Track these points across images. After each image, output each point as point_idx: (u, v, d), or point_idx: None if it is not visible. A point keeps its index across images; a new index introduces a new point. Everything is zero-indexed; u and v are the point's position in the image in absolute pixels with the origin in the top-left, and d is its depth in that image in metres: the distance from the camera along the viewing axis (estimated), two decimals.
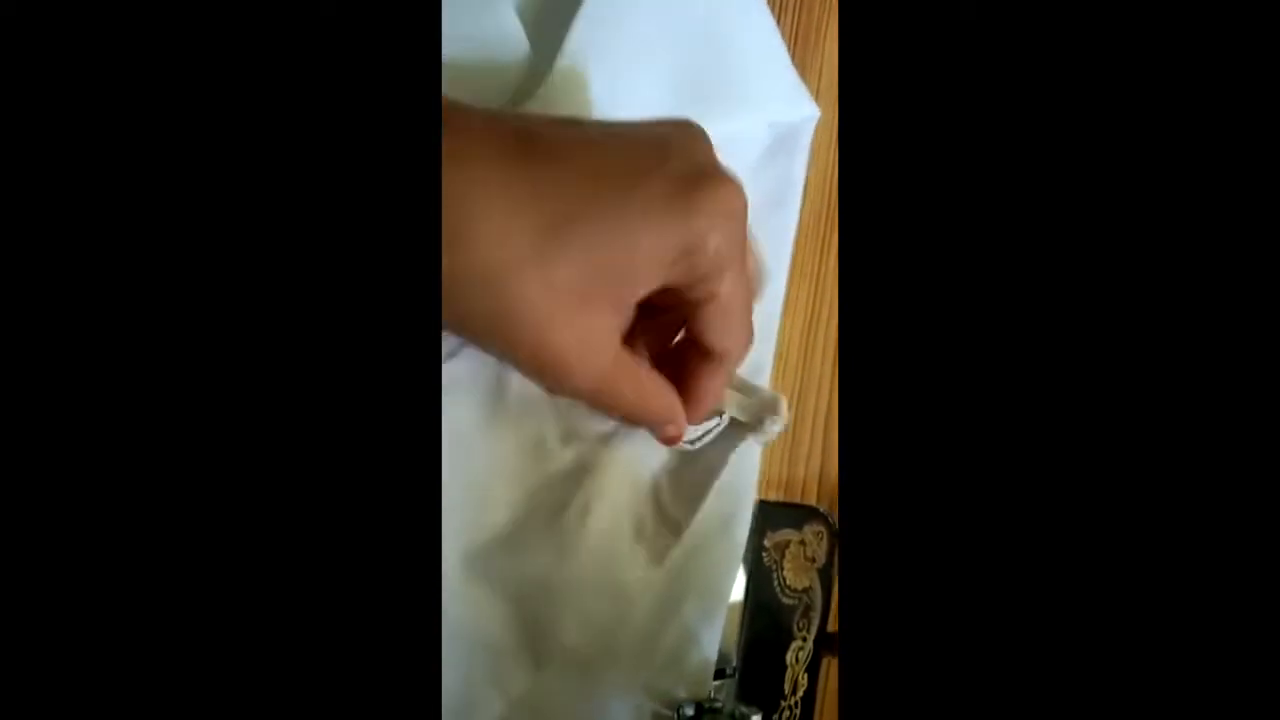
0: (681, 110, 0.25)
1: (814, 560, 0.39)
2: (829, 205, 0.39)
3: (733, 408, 0.31)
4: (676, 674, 0.33)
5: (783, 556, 0.38)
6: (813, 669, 0.40)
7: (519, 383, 0.28)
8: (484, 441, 0.28)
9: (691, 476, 0.32)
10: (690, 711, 0.33)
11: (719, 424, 0.32)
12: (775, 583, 0.38)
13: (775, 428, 0.32)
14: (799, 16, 0.38)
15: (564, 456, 0.30)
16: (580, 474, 0.30)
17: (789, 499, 0.39)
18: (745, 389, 0.32)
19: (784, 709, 0.38)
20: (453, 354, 0.27)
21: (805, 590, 0.39)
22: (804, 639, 0.39)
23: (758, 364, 0.36)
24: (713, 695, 0.34)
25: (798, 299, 0.38)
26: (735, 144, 0.32)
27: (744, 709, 0.33)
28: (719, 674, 0.35)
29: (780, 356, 0.37)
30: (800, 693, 0.39)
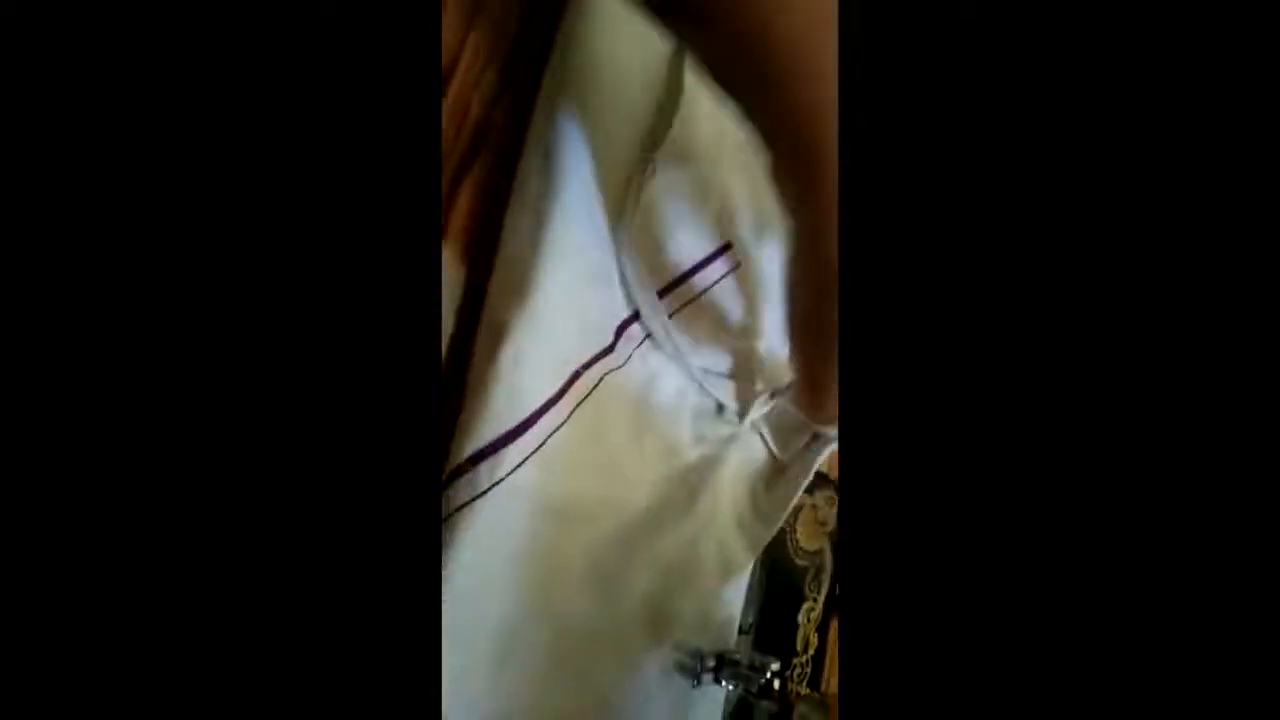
0: None
1: (825, 524, 0.41)
2: None
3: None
4: (702, 630, 0.35)
5: (796, 520, 0.40)
6: (823, 629, 0.42)
7: (660, 395, 0.32)
8: (631, 445, 0.31)
9: (786, 474, 0.36)
10: (712, 662, 0.35)
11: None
12: (789, 545, 0.39)
13: None
14: None
15: (693, 455, 0.34)
16: (705, 469, 0.34)
17: None
18: None
19: (795, 666, 0.40)
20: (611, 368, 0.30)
21: (817, 552, 0.41)
22: (815, 600, 0.41)
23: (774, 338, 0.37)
24: (733, 650, 0.36)
25: None
26: None
27: (761, 658, 0.34)
28: (740, 632, 0.37)
29: None
30: (811, 651, 0.41)
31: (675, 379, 0.33)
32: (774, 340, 0.35)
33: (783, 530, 0.39)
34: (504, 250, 0.28)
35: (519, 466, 0.27)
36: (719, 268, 0.33)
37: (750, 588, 0.38)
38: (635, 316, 0.31)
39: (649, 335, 0.31)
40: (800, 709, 0.29)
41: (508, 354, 0.26)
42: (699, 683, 0.35)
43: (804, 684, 0.40)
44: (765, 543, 0.36)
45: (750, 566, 0.36)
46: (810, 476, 0.35)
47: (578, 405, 0.29)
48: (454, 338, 0.28)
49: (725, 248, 0.33)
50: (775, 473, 0.37)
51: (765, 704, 0.32)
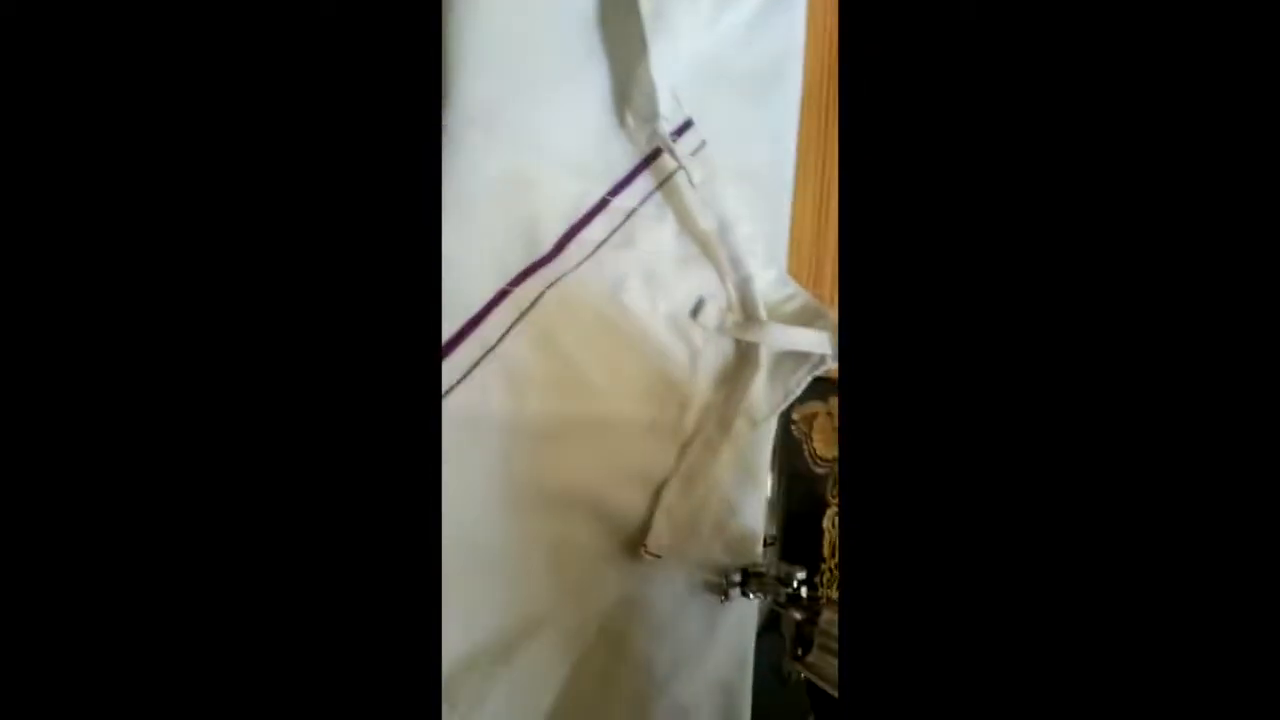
0: None
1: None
2: (830, 67, 0.38)
3: (823, 344, 0.33)
4: (722, 544, 0.35)
5: (811, 428, 0.39)
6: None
7: (630, 300, 0.31)
8: (598, 357, 0.31)
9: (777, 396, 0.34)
10: (738, 577, 0.35)
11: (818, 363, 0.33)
12: (806, 453, 0.39)
13: None
14: None
15: (675, 365, 0.33)
16: (690, 380, 0.33)
17: None
18: (823, 320, 0.33)
19: (824, 570, 0.40)
20: None
21: (835, 459, 0.40)
22: (838, 505, 0.41)
23: (774, 240, 0.36)
24: (758, 563, 0.36)
25: (807, 171, 0.38)
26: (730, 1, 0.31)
27: (787, 568, 0.34)
28: (764, 544, 0.37)
29: (795, 232, 0.37)
30: (838, 556, 0.41)
31: (643, 281, 0.31)
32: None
33: (798, 440, 0.39)
34: None
35: (455, 387, 0.27)
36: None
37: (772, 500, 0.37)
38: (590, 217, 0.29)
39: (611, 235, 0.30)
40: (826, 614, 0.29)
41: None
42: (726, 597, 0.35)
43: (833, 588, 0.40)
44: (767, 447, 0.35)
45: (765, 476, 0.36)
46: (804, 377, 0.34)
47: (518, 319, 0.28)
48: None
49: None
50: (748, 369, 0.35)
51: (792, 611, 0.32)
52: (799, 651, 0.30)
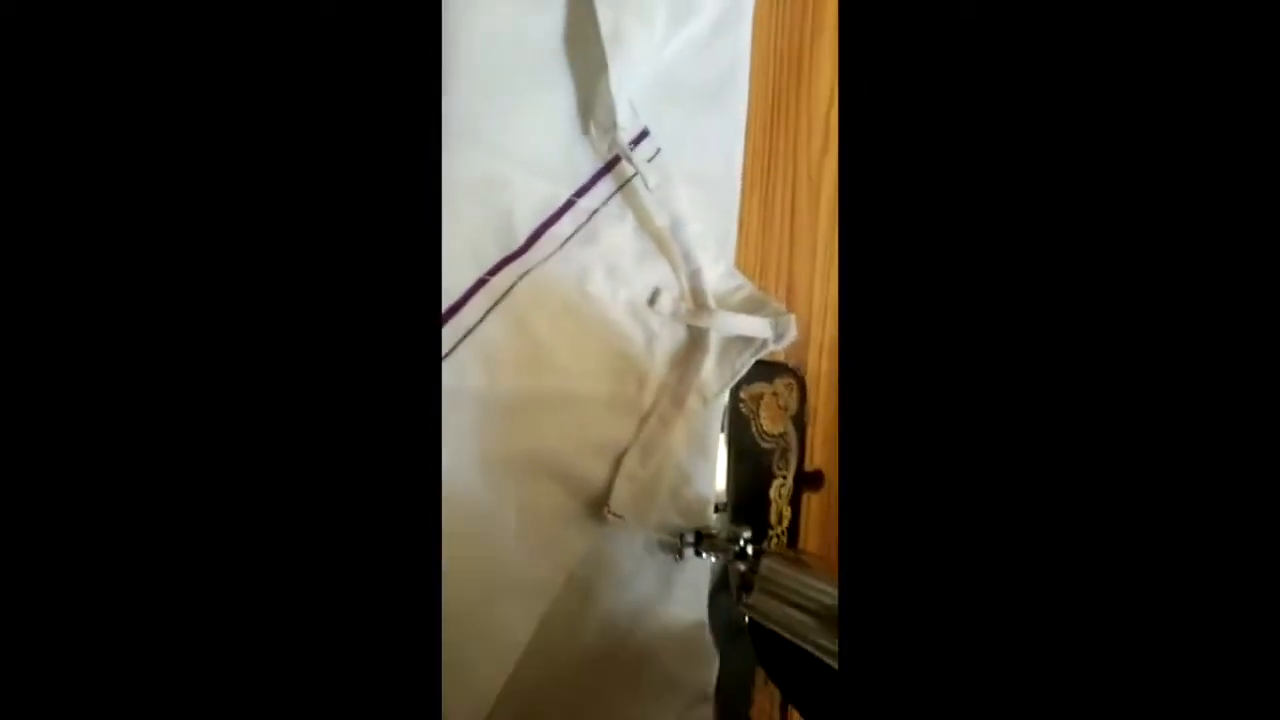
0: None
1: (786, 409, 0.45)
2: (776, 81, 0.42)
3: (766, 330, 0.37)
4: (677, 509, 0.39)
5: (758, 406, 0.43)
6: (795, 503, 0.46)
7: (593, 288, 0.35)
8: (564, 339, 0.35)
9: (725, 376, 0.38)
10: (691, 538, 0.39)
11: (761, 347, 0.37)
12: (753, 429, 0.43)
13: (786, 340, 0.37)
14: None
15: (634, 346, 0.37)
16: (648, 359, 0.37)
17: None
18: (766, 309, 0.37)
19: (772, 537, 0.44)
20: None
21: (781, 435, 0.45)
22: (784, 477, 0.45)
23: (723, 237, 0.40)
24: (710, 526, 0.40)
25: (754, 176, 0.42)
26: (682, 23, 0.35)
27: (734, 529, 0.38)
28: (715, 509, 0.41)
29: (742, 232, 0.41)
30: (785, 523, 0.46)
31: (605, 273, 0.35)
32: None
33: (746, 417, 0.43)
34: None
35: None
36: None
37: (724, 473, 0.41)
38: (558, 215, 0.33)
39: (576, 232, 0.34)
40: (766, 561, 0.33)
41: None
42: (681, 556, 0.39)
43: (779, 548, 0.44)
44: (716, 422, 0.39)
45: (715, 448, 0.40)
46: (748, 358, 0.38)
47: (494, 305, 0.32)
48: None
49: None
50: (699, 352, 0.38)
51: (737, 564, 0.36)
52: (743, 596, 0.34)
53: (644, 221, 0.36)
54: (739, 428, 0.42)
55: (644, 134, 0.34)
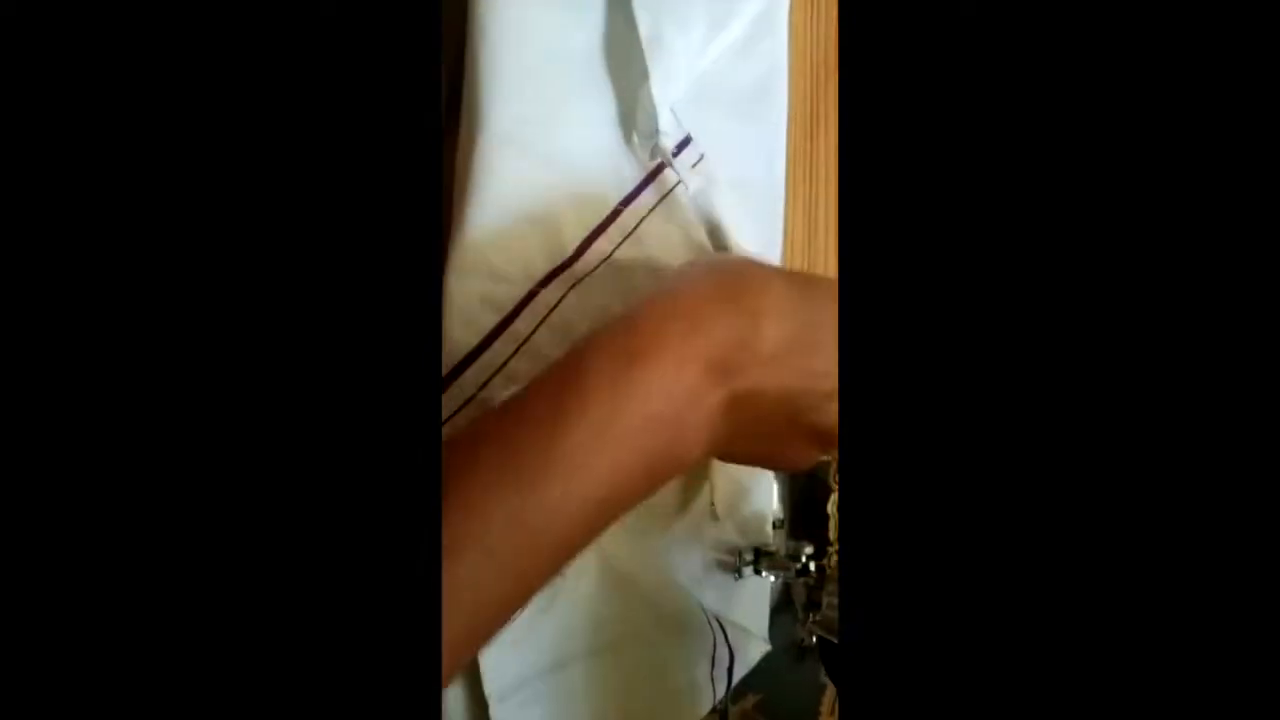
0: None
1: None
2: (814, 86, 0.41)
3: None
4: (735, 525, 0.38)
5: None
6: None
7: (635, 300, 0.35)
8: None
9: None
10: (750, 556, 0.38)
11: None
12: None
13: None
14: None
15: None
16: None
17: None
18: None
19: (830, 553, 0.43)
20: None
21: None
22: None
23: (768, 243, 0.39)
24: (769, 543, 0.39)
25: (795, 183, 0.41)
26: (721, 28, 0.35)
27: (795, 545, 0.37)
28: (773, 526, 0.40)
29: (787, 238, 0.41)
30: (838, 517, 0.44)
31: (653, 282, 0.35)
32: None
33: None
34: (455, 185, 0.31)
35: (487, 384, 0.30)
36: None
37: (779, 487, 0.40)
38: (605, 225, 0.33)
39: (623, 241, 0.33)
40: (831, 573, 0.32)
41: (452, 286, 0.30)
42: (740, 575, 0.37)
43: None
44: None
45: None
46: None
47: (544, 317, 0.31)
48: None
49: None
50: None
51: (803, 581, 0.34)
52: (810, 616, 0.32)
53: (689, 229, 0.35)
54: None
55: (687, 141, 0.34)
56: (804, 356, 0.24)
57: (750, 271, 0.25)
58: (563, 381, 0.23)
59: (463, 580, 0.21)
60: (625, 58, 0.33)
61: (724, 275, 0.25)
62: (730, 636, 0.36)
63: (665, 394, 0.23)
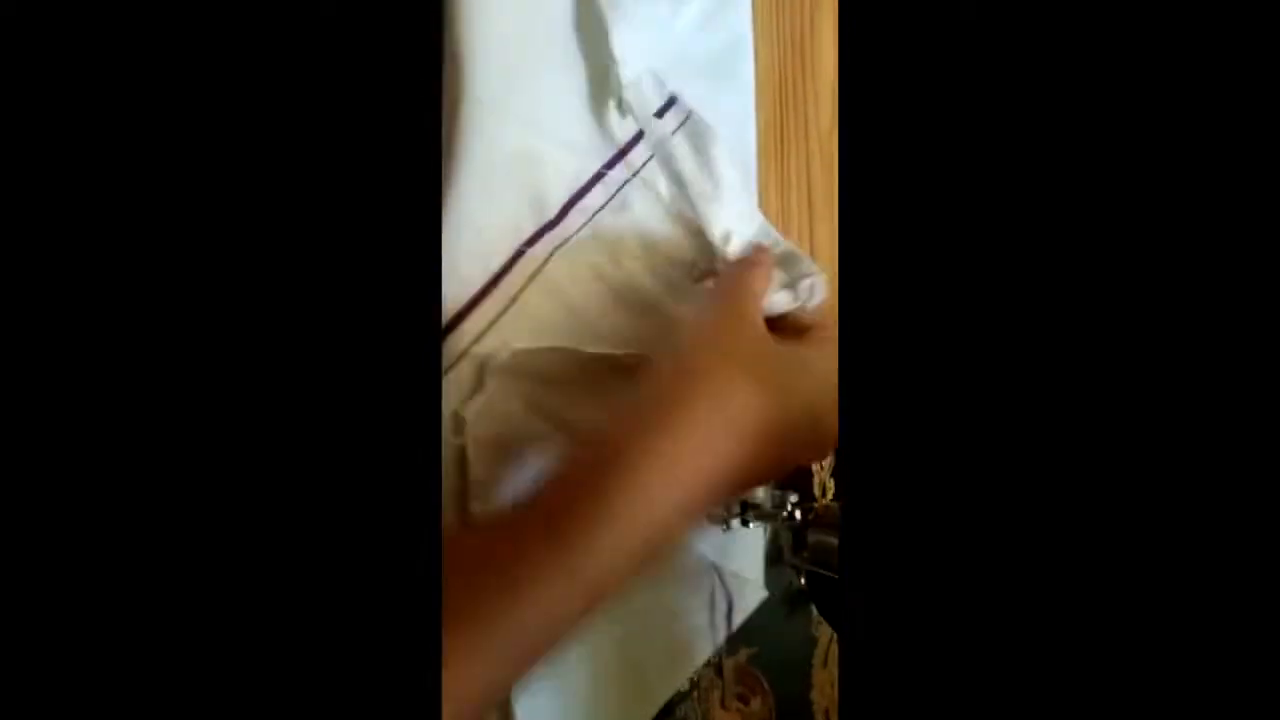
0: None
1: None
2: (782, 55, 0.43)
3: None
4: None
5: None
6: (837, 474, 0.45)
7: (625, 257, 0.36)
8: (601, 308, 0.35)
9: None
10: (737, 508, 0.39)
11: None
12: None
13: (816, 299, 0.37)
14: None
15: (666, 310, 0.36)
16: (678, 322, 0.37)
17: None
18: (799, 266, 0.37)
19: (814, 504, 0.44)
20: None
21: None
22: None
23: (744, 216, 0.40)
24: (754, 496, 0.40)
25: (768, 152, 0.43)
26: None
27: (780, 495, 0.38)
28: None
29: (760, 200, 0.42)
30: (829, 496, 0.45)
31: (639, 243, 0.36)
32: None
33: None
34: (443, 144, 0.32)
35: (482, 336, 0.31)
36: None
37: None
38: (588, 188, 0.34)
39: (606, 203, 0.34)
40: (820, 511, 0.33)
41: (445, 239, 0.31)
42: (728, 526, 0.39)
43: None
44: None
45: None
46: None
47: (532, 277, 0.33)
48: None
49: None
50: None
51: (789, 526, 0.36)
52: (800, 555, 0.34)
53: (670, 196, 0.36)
54: None
55: (671, 101, 0.35)
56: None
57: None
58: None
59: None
60: (597, 25, 0.34)
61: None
62: (727, 583, 0.37)
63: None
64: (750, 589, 0.39)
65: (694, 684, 0.38)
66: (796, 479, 0.43)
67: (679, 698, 0.37)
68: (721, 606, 0.37)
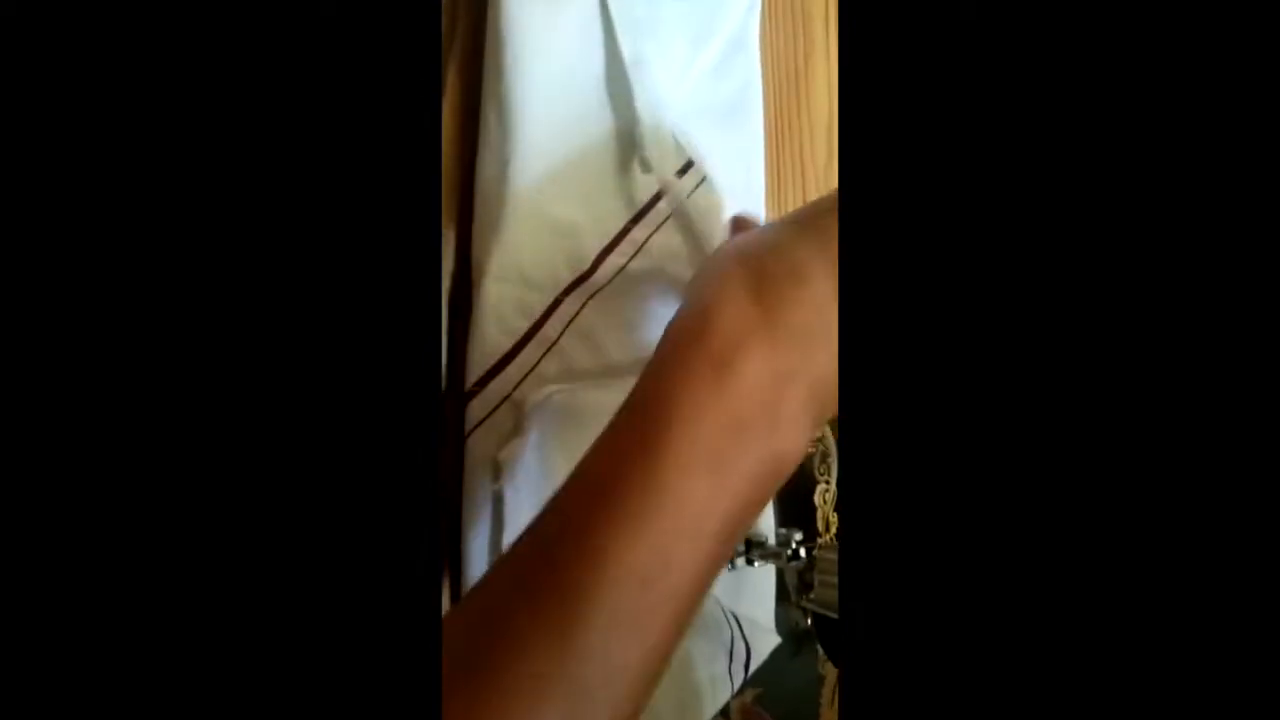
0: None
1: None
2: (780, 99, 0.44)
3: None
4: None
5: None
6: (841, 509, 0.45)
7: (648, 304, 0.37)
8: (629, 352, 0.36)
9: None
10: (741, 547, 0.38)
11: None
12: None
13: None
14: None
15: None
16: None
17: None
18: None
19: (819, 541, 0.44)
20: None
21: (820, 439, 0.44)
22: (827, 482, 0.44)
23: None
24: (759, 533, 0.39)
25: (772, 191, 0.43)
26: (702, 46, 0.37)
27: (785, 532, 0.38)
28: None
29: None
30: (833, 531, 0.45)
31: (665, 295, 0.37)
32: None
33: None
34: (477, 197, 0.33)
35: (522, 382, 0.32)
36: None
37: None
38: (615, 244, 0.35)
39: (632, 257, 0.36)
40: (821, 553, 0.33)
41: (490, 290, 0.32)
42: (733, 566, 0.38)
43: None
44: None
45: None
46: None
47: (568, 324, 0.34)
48: (452, 289, 0.32)
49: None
50: None
51: (794, 565, 0.35)
52: (805, 596, 0.33)
53: (694, 245, 0.37)
54: None
55: (689, 165, 0.36)
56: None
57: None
58: (644, 413, 0.21)
59: (595, 649, 0.18)
60: (621, 80, 0.35)
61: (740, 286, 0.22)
62: (745, 631, 0.37)
63: (752, 398, 0.20)
64: (765, 637, 0.39)
65: None
66: (801, 515, 0.43)
67: None
68: (740, 655, 0.37)
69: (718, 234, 0.37)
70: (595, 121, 0.35)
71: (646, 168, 0.35)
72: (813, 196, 0.46)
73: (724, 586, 0.38)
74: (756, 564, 0.38)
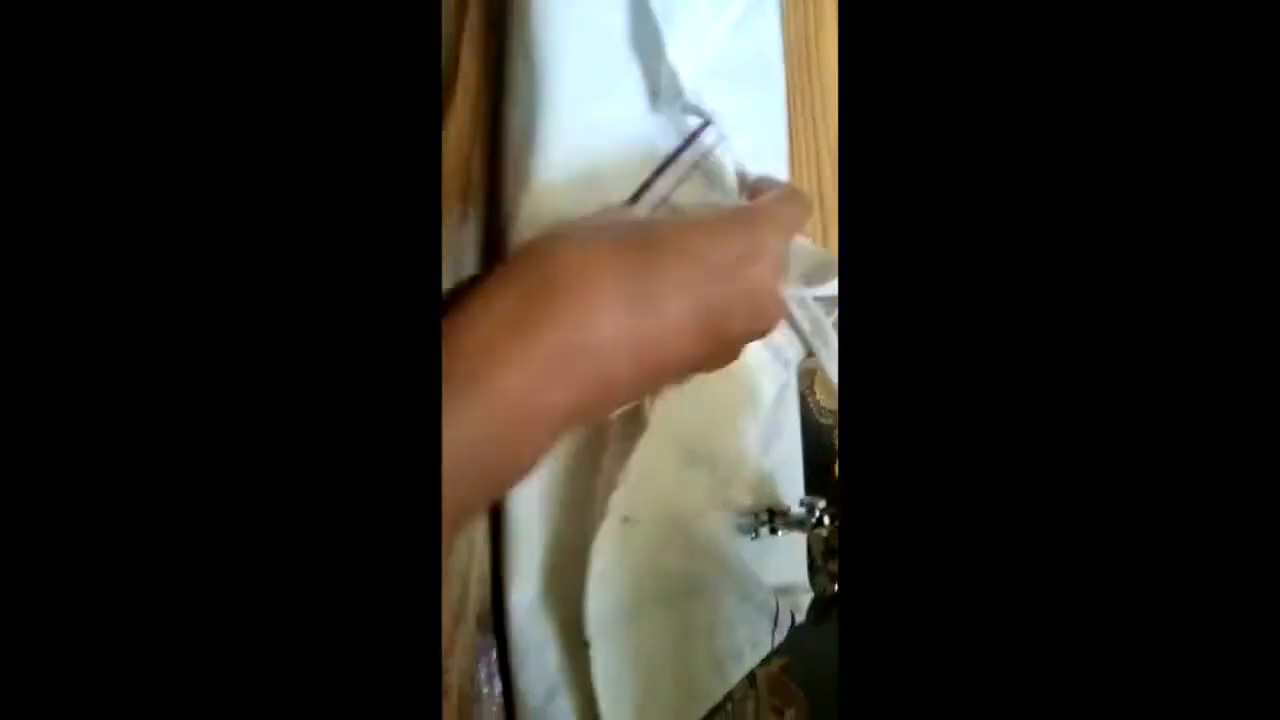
0: None
1: None
2: (797, 63, 0.43)
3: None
4: (745, 487, 0.38)
5: (812, 381, 0.43)
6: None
7: None
8: None
9: None
10: (765, 516, 0.38)
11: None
12: (810, 405, 0.43)
13: None
14: None
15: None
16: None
17: None
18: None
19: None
20: None
21: (837, 410, 0.44)
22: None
23: None
24: (781, 503, 0.39)
25: (798, 157, 0.43)
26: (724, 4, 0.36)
27: (809, 500, 0.38)
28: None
29: None
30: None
31: None
32: None
33: (801, 394, 0.43)
34: (505, 148, 0.32)
35: None
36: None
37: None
38: (637, 196, 0.34)
39: (656, 209, 0.35)
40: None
41: (521, 238, 0.31)
42: (756, 535, 0.38)
43: None
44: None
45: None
46: None
47: None
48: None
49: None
50: None
51: (818, 532, 0.35)
52: (830, 562, 0.33)
53: (714, 200, 0.37)
54: (800, 404, 0.42)
55: (707, 123, 0.35)
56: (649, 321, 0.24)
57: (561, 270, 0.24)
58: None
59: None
60: (647, 35, 0.34)
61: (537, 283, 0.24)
62: (782, 599, 0.37)
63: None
64: (803, 599, 0.39)
65: (729, 697, 0.37)
66: (824, 484, 0.43)
67: (714, 711, 0.36)
68: (785, 622, 0.37)
69: (734, 191, 0.36)
70: (622, 73, 0.34)
71: (670, 117, 0.35)
72: (828, 164, 0.45)
73: (755, 557, 0.38)
74: (781, 533, 0.38)
